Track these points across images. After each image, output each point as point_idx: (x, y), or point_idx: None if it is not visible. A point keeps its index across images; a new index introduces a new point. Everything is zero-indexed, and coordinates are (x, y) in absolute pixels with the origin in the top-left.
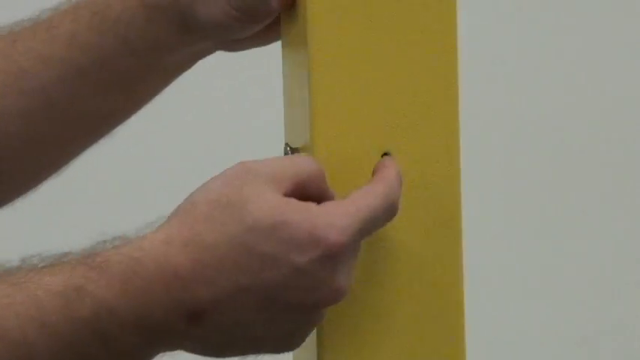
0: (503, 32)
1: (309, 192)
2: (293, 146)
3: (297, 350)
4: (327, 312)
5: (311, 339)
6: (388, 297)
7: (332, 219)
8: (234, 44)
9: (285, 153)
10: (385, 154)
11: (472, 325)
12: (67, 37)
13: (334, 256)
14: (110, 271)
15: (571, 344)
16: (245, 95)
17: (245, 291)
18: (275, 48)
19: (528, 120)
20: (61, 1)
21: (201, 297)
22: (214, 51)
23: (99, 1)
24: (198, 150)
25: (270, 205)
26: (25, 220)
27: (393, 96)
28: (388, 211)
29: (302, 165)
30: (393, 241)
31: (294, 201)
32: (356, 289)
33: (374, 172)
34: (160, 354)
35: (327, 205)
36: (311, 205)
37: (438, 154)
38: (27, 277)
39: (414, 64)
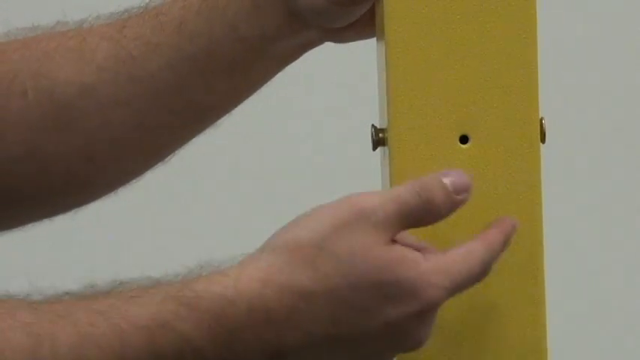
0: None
1: (413, 224)
2: (379, 127)
3: None
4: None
5: None
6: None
7: (435, 278)
8: (340, 34)
9: (371, 133)
10: (463, 136)
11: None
12: (176, 24)
13: (428, 312)
14: (200, 309)
15: None
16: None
17: (332, 339)
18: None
19: (612, 115)
20: None
21: (289, 342)
22: (321, 42)
23: None
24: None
25: (377, 263)
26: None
27: (471, 80)
28: (481, 275)
29: (410, 201)
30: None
31: (399, 254)
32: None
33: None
34: None
35: (432, 261)
36: (418, 259)
37: (517, 140)
38: (114, 305)
39: (492, 47)
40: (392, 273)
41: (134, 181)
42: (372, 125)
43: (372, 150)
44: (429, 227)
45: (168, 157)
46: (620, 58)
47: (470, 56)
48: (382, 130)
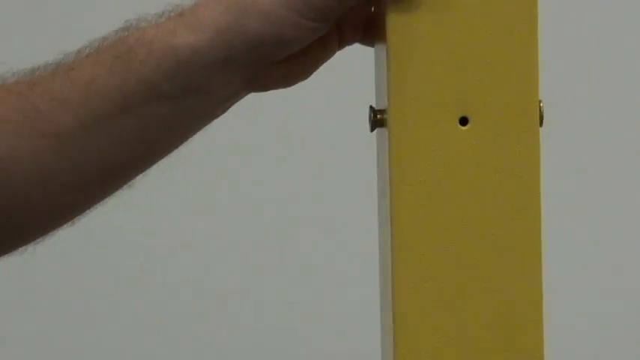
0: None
1: None
2: (377, 108)
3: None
4: None
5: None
6: (463, 280)
7: None
8: (269, 76)
9: (369, 115)
10: (463, 118)
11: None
12: (86, 80)
13: None
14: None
15: None
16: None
17: None
18: None
19: (613, 100)
20: (84, 45)
21: None
22: (245, 93)
23: (122, 45)
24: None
25: None
26: None
27: (471, 61)
28: None
29: None
30: (471, 220)
31: None
32: (433, 274)
33: None
34: None
35: None
36: None
37: (516, 122)
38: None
39: (492, 28)
40: None
41: (45, 238)
42: (371, 107)
43: (369, 131)
44: (430, 207)
45: (79, 215)
46: (621, 43)
47: (470, 37)
48: (381, 112)
